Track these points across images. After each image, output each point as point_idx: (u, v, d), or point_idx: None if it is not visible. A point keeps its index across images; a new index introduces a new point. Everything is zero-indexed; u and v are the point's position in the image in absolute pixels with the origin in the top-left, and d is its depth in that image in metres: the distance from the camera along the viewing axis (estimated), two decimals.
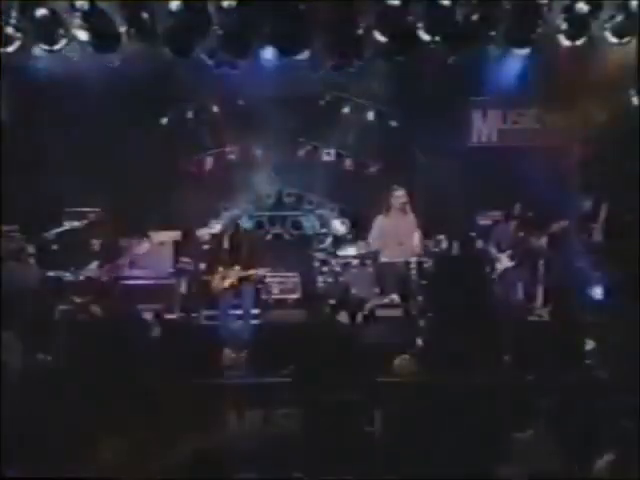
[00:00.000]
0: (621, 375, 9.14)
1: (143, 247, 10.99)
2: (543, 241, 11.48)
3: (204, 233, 11.47)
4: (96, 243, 10.88)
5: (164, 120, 13.18)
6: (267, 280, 12.01)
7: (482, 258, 11.12)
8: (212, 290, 10.99)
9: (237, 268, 10.79)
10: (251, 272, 10.86)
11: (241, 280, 10.81)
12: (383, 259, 11.04)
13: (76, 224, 11.29)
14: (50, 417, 8.90)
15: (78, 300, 10.52)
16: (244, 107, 13.11)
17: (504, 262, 10.77)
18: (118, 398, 9.00)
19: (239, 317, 10.92)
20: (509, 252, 10.72)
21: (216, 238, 11.06)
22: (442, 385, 9.34)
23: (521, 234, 10.93)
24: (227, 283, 10.81)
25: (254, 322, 11.09)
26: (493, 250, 10.94)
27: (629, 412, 8.09)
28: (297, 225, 13.39)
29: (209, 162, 13.37)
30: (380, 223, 11.20)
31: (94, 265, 10.72)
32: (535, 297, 11.67)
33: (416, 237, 11.00)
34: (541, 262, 11.67)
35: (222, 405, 9.21)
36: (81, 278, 10.77)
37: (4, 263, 10.33)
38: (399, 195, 11.14)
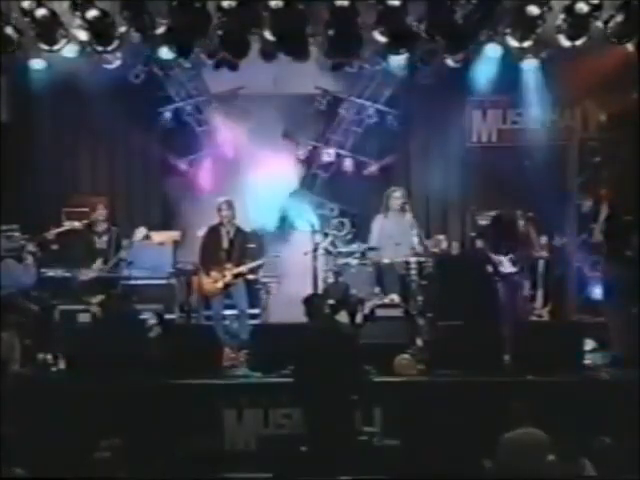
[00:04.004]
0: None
1: (140, 232, 10.97)
2: (543, 241, 11.48)
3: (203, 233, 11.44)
4: (100, 242, 10.84)
5: (163, 120, 13.16)
6: (266, 280, 12.00)
7: (482, 258, 11.10)
8: (205, 292, 11.01)
9: (229, 265, 10.82)
10: (242, 268, 10.89)
11: (236, 277, 10.83)
12: (382, 259, 11.04)
13: (77, 224, 11.27)
14: (50, 417, 8.92)
15: (83, 300, 10.51)
16: (243, 107, 13.10)
17: (507, 266, 10.74)
18: (118, 398, 9.01)
19: (235, 317, 10.95)
20: (511, 256, 10.70)
21: (212, 237, 11.06)
22: (442, 385, 9.35)
23: (522, 236, 10.90)
24: (221, 284, 10.82)
25: (252, 322, 11.11)
26: (493, 255, 10.91)
27: None
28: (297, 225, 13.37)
29: (208, 162, 13.36)
30: (378, 223, 11.20)
31: (99, 263, 10.69)
32: (535, 297, 11.67)
33: (415, 237, 10.99)
34: (541, 261, 11.67)
35: (222, 405, 9.22)
36: (83, 278, 10.72)
37: (4, 262, 10.33)
38: (397, 196, 11.14)
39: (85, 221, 11.08)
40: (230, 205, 11.01)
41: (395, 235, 10.98)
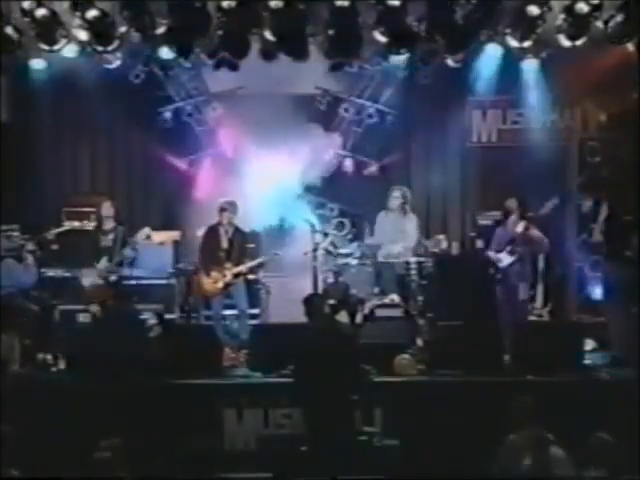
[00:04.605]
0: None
1: (143, 233, 10.98)
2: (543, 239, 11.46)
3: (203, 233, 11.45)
4: (106, 240, 10.83)
5: (163, 120, 13.15)
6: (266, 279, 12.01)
7: (482, 258, 11.11)
8: (206, 292, 11.02)
9: (229, 265, 10.84)
10: (242, 268, 10.90)
11: (236, 276, 10.86)
12: (379, 258, 11.08)
13: (76, 224, 11.28)
14: (50, 417, 8.92)
15: (86, 300, 10.51)
16: (243, 107, 13.08)
17: (505, 260, 10.76)
18: (118, 398, 9.02)
19: (235, 317, 10.96)
20: (508, 248, 10.71)
21: (211, 237, 11.08)
22: (442, 385, 9.35)
23: (521, 230, 10.90)
24: (221, 284, 10.84)
25: (252, 322, 11.12)
26: (492, 253, 10.92)
27: None
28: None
29: (208, 162, 13.35)
30: (380, 221, 11.25)
31: (103, 261, 10.67)
32: (535, 297, 11.67)
33: (415, 236, 11.01)
34: (541, 261, 11.67)
35: (222, 405, 9.22)
36: (85, 283, 10.69)
37: (4, 262, 10.33)
38: (396, 196, 11.17)
39: (93, 218, 11.09)
40: (234, 206, 11.05)
41: (392, 233, 11.02)
